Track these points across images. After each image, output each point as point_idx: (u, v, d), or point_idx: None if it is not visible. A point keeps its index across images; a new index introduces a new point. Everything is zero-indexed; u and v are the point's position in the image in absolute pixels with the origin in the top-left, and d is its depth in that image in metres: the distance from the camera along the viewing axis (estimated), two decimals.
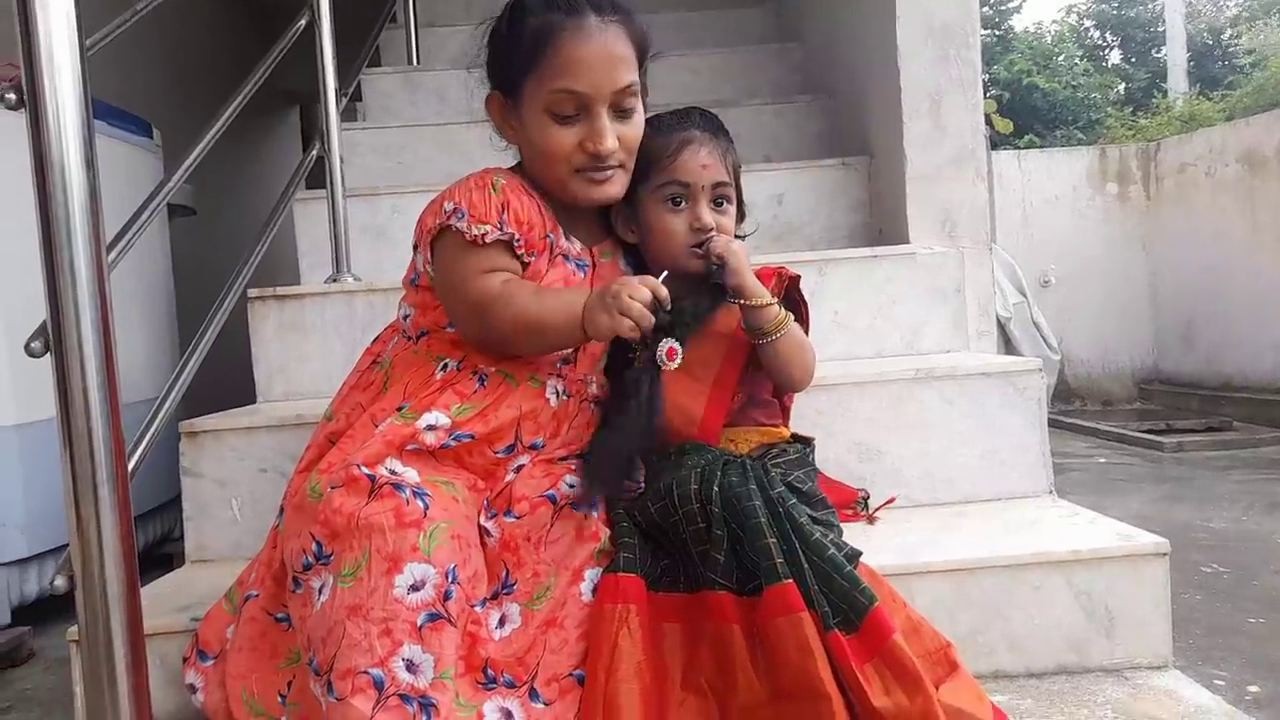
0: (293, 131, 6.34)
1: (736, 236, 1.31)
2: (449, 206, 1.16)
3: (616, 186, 1.22)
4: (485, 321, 1.15)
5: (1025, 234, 5.96)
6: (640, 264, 1.32)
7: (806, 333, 1.31)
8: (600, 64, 1.15)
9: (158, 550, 2.59)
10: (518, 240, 1.16)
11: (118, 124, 2.45)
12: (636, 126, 1.21)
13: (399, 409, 1.15)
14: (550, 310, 1.13)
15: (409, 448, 1.11)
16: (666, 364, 1.17)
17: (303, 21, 2.09)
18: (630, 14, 1.19)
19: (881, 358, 1.87)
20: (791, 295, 1.31)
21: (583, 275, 1.25)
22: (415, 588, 1.00)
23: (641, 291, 1.07)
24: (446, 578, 1.02)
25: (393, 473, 1.07)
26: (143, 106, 2.72)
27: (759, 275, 1.25)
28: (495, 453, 1.17)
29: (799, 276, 1.32)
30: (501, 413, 1.17)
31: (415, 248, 1.23)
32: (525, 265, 1.18)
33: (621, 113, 1.18)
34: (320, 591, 1.04)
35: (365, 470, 1.06)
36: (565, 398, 1.23)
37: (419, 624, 0.99)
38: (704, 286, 1.26)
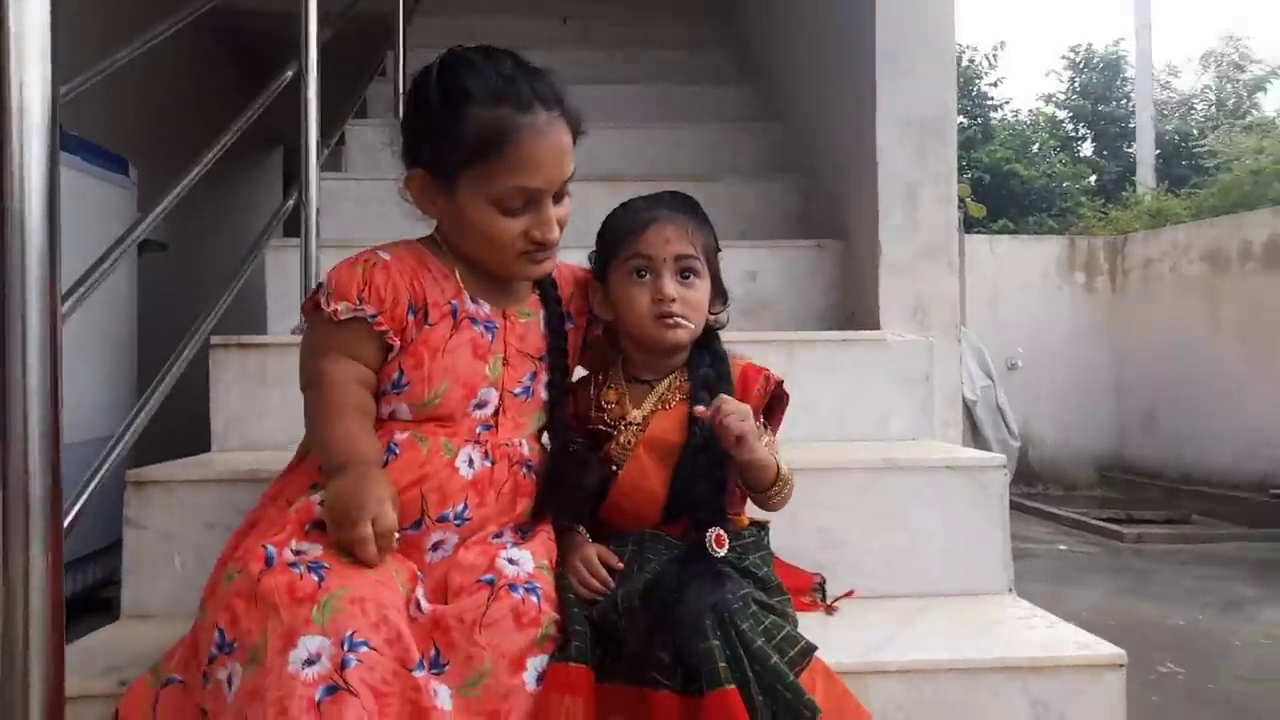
0: (274, 170, 6.33)
1: (713, 313, 1.32)
2: (324, 282, 1.19)
3: (553, 262, 1.28)
4: (307, 394, 1.20)
5: (994, 317, 6.06)
6: (553, 320, 1.31)
7: (778, 424, 1.31)
8: (553, 160, 1.18)
9: (97, 594, 2.51)
10: (373, 317, 1.16)
11: (92, 160, 2.43)
12: (568, 205, 1.24)
13: (312, 485, 1.14)
14: (333, 437, 1.15)
15: (312, 523, 1.09)
16: (717, 551, 1.16)
17: (290, 72, 2.10)
18: (565, 99, 1.21)
19: (847, 441, 1.86)
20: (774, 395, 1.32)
21: (491, 337, 1.24)
22: (310, 661, 0.95)
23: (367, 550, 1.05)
24: (343, 646, 0.97)
25: (297, 552, 1.04)
26: (122, 142, 2.71)
27: (746, 374, 1.28)
28: (402, 529, 1.11)
29: (782, 380, 1.33)
30: (402, 477, 1.14)
31: None
32: (390, 346, 1.19)
33: (558, 197, 1.22)
34: (228, 683, 0.99)
35: (270, 549, 1.04)
36: (489, 464, 1.20)
37: (317, 699, 0.94)
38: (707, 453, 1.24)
